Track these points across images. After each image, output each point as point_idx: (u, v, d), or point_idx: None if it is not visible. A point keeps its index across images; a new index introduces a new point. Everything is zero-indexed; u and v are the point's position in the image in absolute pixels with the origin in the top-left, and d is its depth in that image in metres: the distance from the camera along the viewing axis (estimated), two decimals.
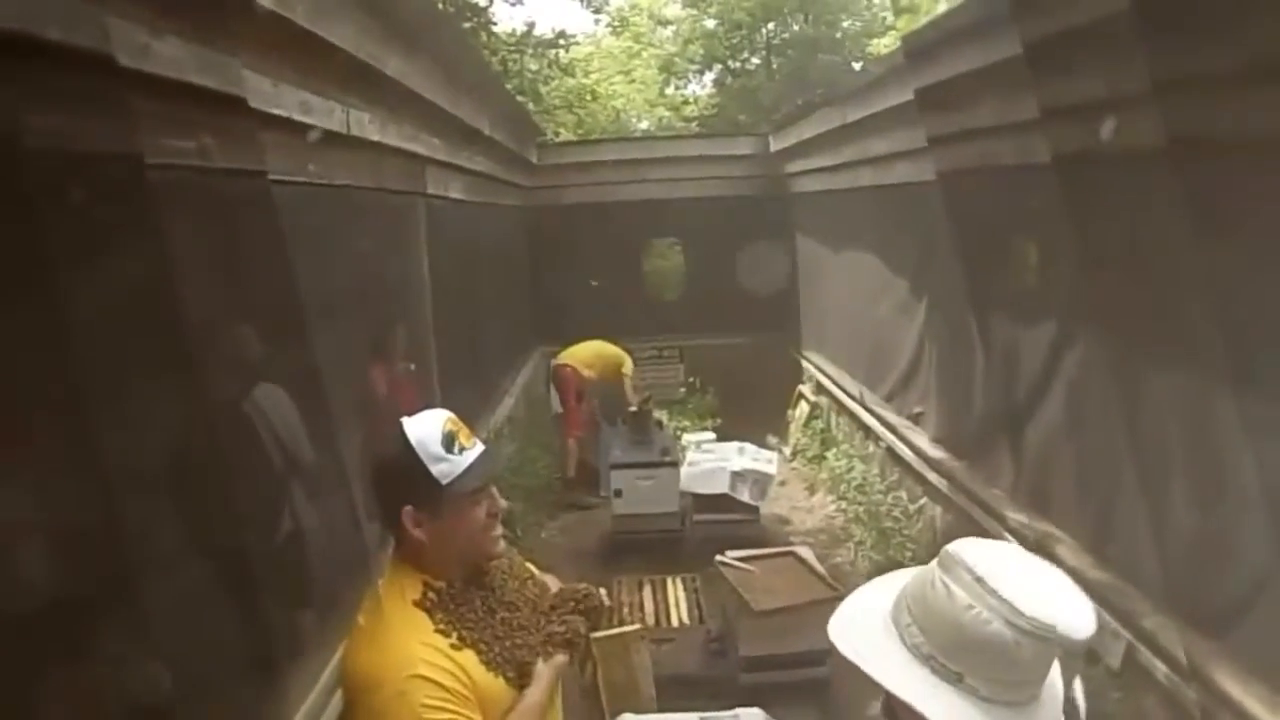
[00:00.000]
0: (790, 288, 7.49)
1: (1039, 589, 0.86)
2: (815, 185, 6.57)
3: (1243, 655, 2.03)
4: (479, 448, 1.34)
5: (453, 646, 1.28)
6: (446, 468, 1.28)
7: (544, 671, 1.36)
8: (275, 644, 1.94)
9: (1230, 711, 1.99)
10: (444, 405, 1.37)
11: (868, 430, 5.30)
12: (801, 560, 3.60)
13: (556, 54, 10.27)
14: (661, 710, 1.64)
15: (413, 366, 3.60)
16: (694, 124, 13.80)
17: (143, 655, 1.38)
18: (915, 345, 4.56)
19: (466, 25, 8.01)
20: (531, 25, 9.94)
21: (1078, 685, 0.94)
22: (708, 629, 3.53)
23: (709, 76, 14.05)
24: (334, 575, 2.33)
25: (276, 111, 2.09)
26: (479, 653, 1.30)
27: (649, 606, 3.84)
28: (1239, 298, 1.89)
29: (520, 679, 1.34)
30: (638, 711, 1.57)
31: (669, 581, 4.02)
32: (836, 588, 3.37)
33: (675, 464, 4.83)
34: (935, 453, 4.19)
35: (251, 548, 1.90)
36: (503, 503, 1.38)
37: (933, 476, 4.15)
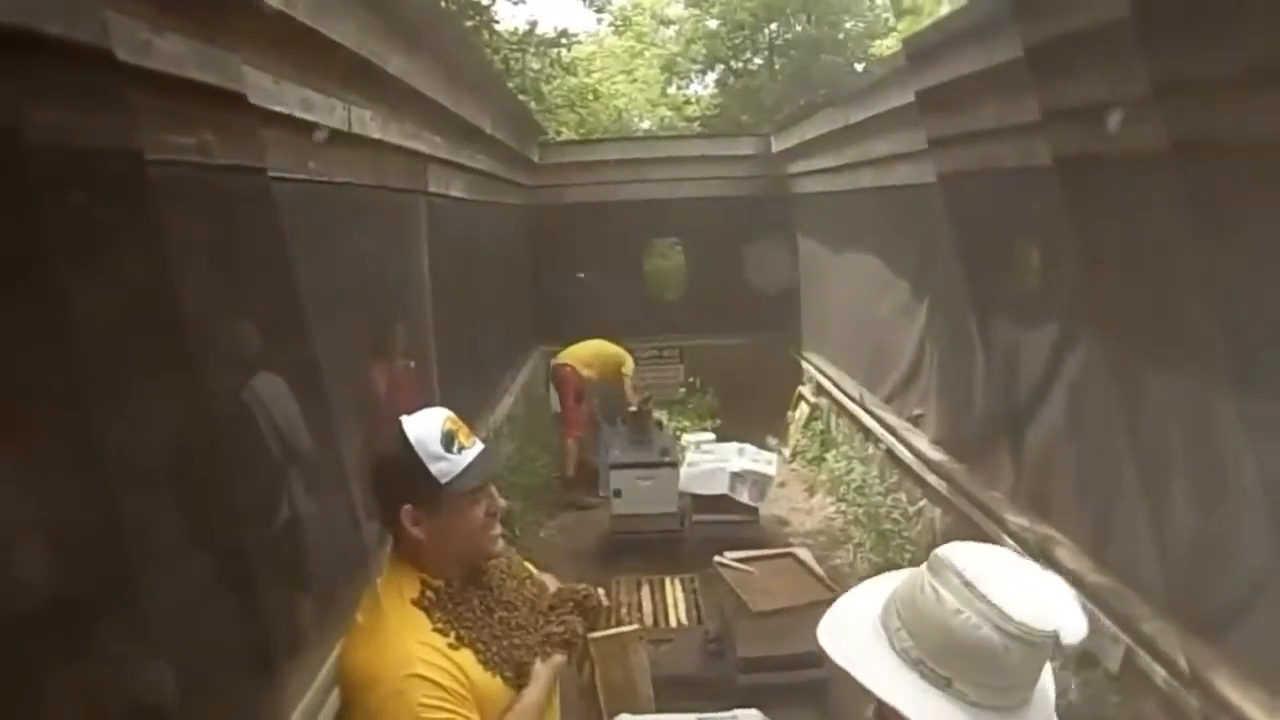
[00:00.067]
0: (791, 289, 7.48)
1: (1029, 593, 0.86)
2: (817, 186, 6.57)
3: (1242, 660, 2.02)
4: (478, 447, 1.34)
5: (450, 646, 1.27)
6: (445, 466, 1.27)
7: (542, 671, 1.36)
8: (273, 640, 1.94)
9: (1229, 716, 1.99)
10: (443, 404, 1.37)
11: (867, 432, 5.29)
12: (800, 562, 3.60)
13: (559, 53, 10.26)
14: (659, 711, 1.64)
15: (412, 364, 3.60)
16: (696, 124, 13.79)
17: (139, 649, 1.38)
18: (916, 347, 4.56)
19: (469, 23, 8.00)
20: (534, 24, 9.94)
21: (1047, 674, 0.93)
22: (706, 630, 3.53)
23: (711, 76, 14.05)
24: (333, 571, 2.33)
25: (278, 108, 2.09)
26: (477, 652, 1.30)
27: (647, 607, 3.83)
28: (1240, 301, 1.88)
29: (518, 679, 1.33)
30: (635, 712, 1.57)
31: (667, 582, 4.02)
32: (835, 589, 3.36)
33: (674, 464, 4.83)
34: (935, 455, 4.19)
35: (250, 544, 1.90)
36: (502, 502, 1.38)
37: (932, 479, 4.15)
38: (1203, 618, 2.16)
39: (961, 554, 0.88)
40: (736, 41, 13.04)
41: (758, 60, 13.21)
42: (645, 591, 3.95)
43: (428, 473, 1.27)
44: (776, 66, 12.79)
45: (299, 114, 2.21)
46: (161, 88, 1.53)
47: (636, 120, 15.12)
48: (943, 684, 0.85)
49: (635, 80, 14.85)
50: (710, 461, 4.81)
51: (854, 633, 0.93)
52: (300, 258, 2.09)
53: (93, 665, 1.31)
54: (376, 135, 2.92)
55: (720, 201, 7.75)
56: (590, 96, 12.88)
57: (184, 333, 1.57)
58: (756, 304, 7.44)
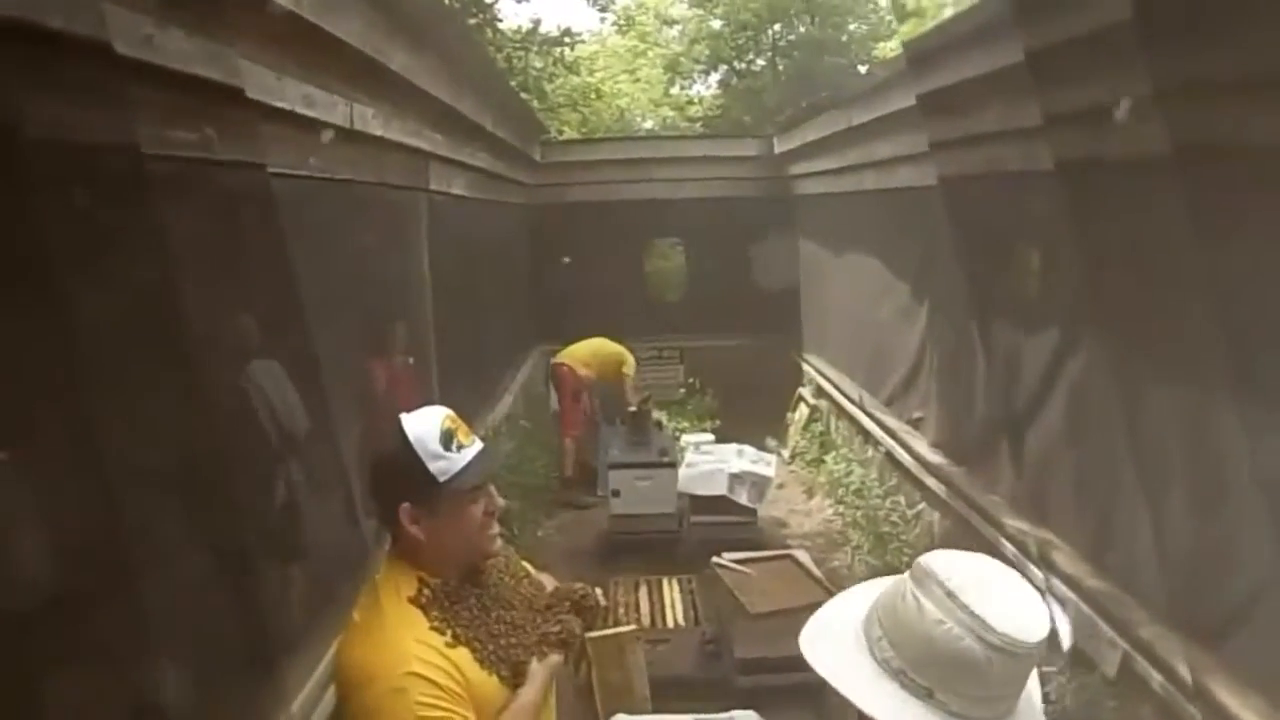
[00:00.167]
0: (792, 290, 7.48)
1: (1012, 604, 0.84)
2: (819, 188, 6.57)
3: (1240, 666, 2.02)
4: (477, 445, 1.33)
5: (448, 644, 1.27)
6: (444, 465, 1.27)
7: (538, 671, 1.35)
8: (271, 635, 1.94)
9: None
10: (442, 402, 1.36)
11: (867, 434, 5.29)
12: (798, 564, 3.60)
13: (562, 52, 10.25)
14: (656, 711, 1.64)
15: (411, 360, 3.60)
16: (698, 124, 13.80)
17: (135, 641, 1.37)
18: (916, 350, 4.56)
19: (472, 21, 8.00)
20: (537, 22, 9.93)
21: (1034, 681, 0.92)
22: (703, 631, 3.52)
23: (714, 77, 14.05)
24: (331, 567, 2.33)
25: (280, 105, 2.08)
26: (474, 651, 1.29)
27: (645, 607, 3.83)
28: (1240, 307, 1.88)
29: (515, 678, 1.33)
30: (632, 712, 1.57)
31: (665, 582, 4.01)
32: (833, 592, 3.35)
33: (673, 465, 4.82)
34: (934, 458, 4.19)
35: (250, 539, 1.90)
36: (500, 501, 1.37)
37: (931, 482, 4.15)
38: (1201, 624, 2.16)
39: (944, 563, 0.87)
40: (740, 42, 13.04)
41: (761, 61, 13.21)
42: (643, 592, 3.94)
43: (426, 471, 1.26)
44: (780, 67, 12.79)
45: (301, 110, 2.21)
46: (165, 83, 1.53)
47: (639, 120, 15.12)
48: (924, 694, 0.84)
49: (638, 80, 14.85)
50: (709, 462, 4.80)
51: (835, 641, 0.92)
52: (301, 254, 2.09)
53: (87, 657, 1.31)
54: (378, 132, 2.92)
55: (722, 202, 7.75)
56: (593, 96, 12.87)
57: (185, 327, 1.57)
58: (757, 305, 7.44)
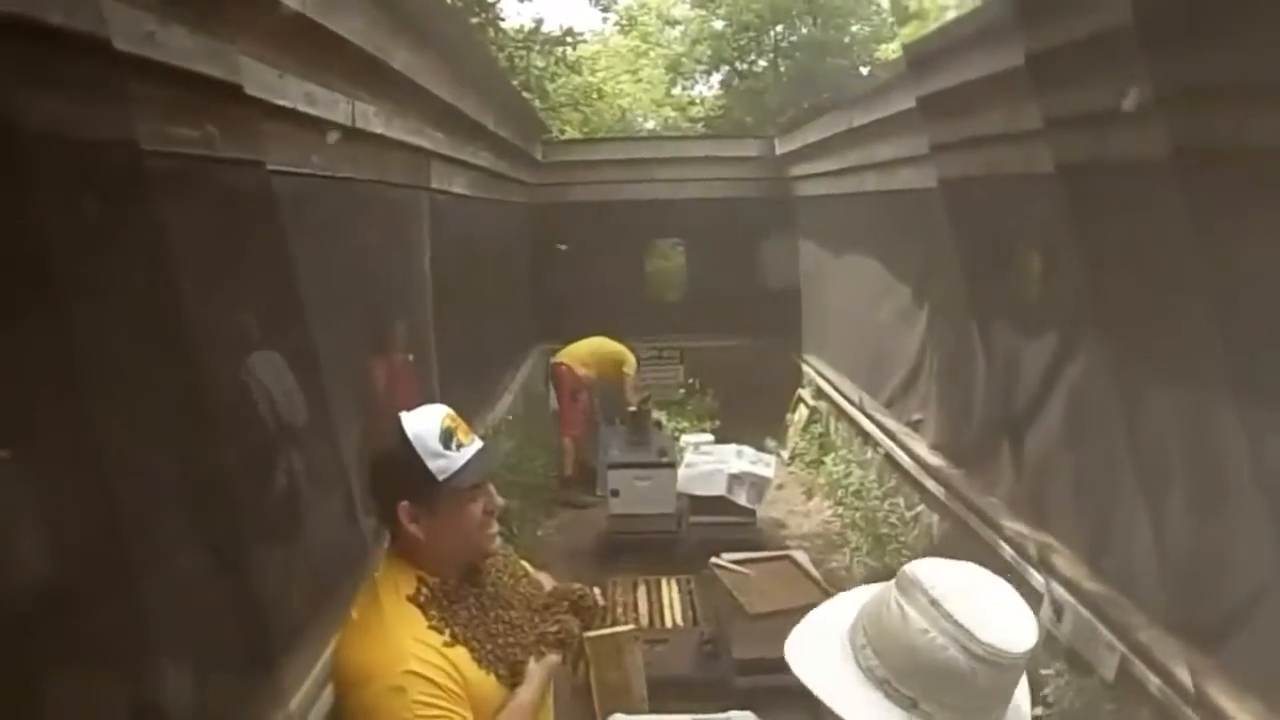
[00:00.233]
0: (792, 291, 7.48)
1: (998, 613, 0.83)
2: (820, 189, 6.57)
3: (1238, 670, 2.02)
4: (477, 444, 1.34)
5: (446, 643, 1.27)
6: (444, 464, 1.27)
7: (536, 671, 1.36)
8: (270, 632, 1.94)
9: None
10: (443, 400, 1.36)
11: (866, 436, 5.30)
12: (797, 564, 3.60)
13: (564, 51, 10.25)
14: (653, 711, 1.64)
15: (411, 358, 3.60)
16: (699, 125, 13.79)
17: (133, 639, 1.37)
18: (916, 352, 4.56)
19: (474, 20, 8.00)
20: (539, 22, 9.92)
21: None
22: (701, 631, 3.52)
23: (716, 78, 14.04)
24: (331, 565, 2.33)
25: (282, 102, 2.08)
26: (472, 650, 1.30)
27: (643, 607, 3.83)
28: (1239, 311, 1.88)
29: (512, 677, 1.33)
30: (629, 712, 1.57)
31: (664, 583, 4.01)
32: (831, 592, 3.34)
33: (673, 465, 4.82)
34: (933, 460, 4.19)
35: (250, 538, 1.90)
36: (499, 500, 1.38)
37: (930, 484, 4.15)
38: (1199, 627, 2.16)
39: (929, 571, 0.86)
40: (742, 43, 13.04)
41: (763, 62, 13.20)
42: (641, 592, 3.94)
43: (426, 470, 1.26)
44: (781, 69, 12.79)
45: (303, 108, 2.21)
46: (167, 80, 1.53)
47: (640, 120, 15.12)
48: (908, 705, 0.83)
49: (640, 80, 14.85)
50: (708, 463, 4.80)
51: (820, 648, 0.91)
52: (302, 252, 2.09)
53: (82, 653, 1.31)
54: (380, 131, 2.92)
55: (723, 203, 7.75)
56: (595, 95, 12.86)
57: (186, 323, 1.57)
58: (757, 306, 7.44)
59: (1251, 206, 1.87)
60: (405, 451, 1.27)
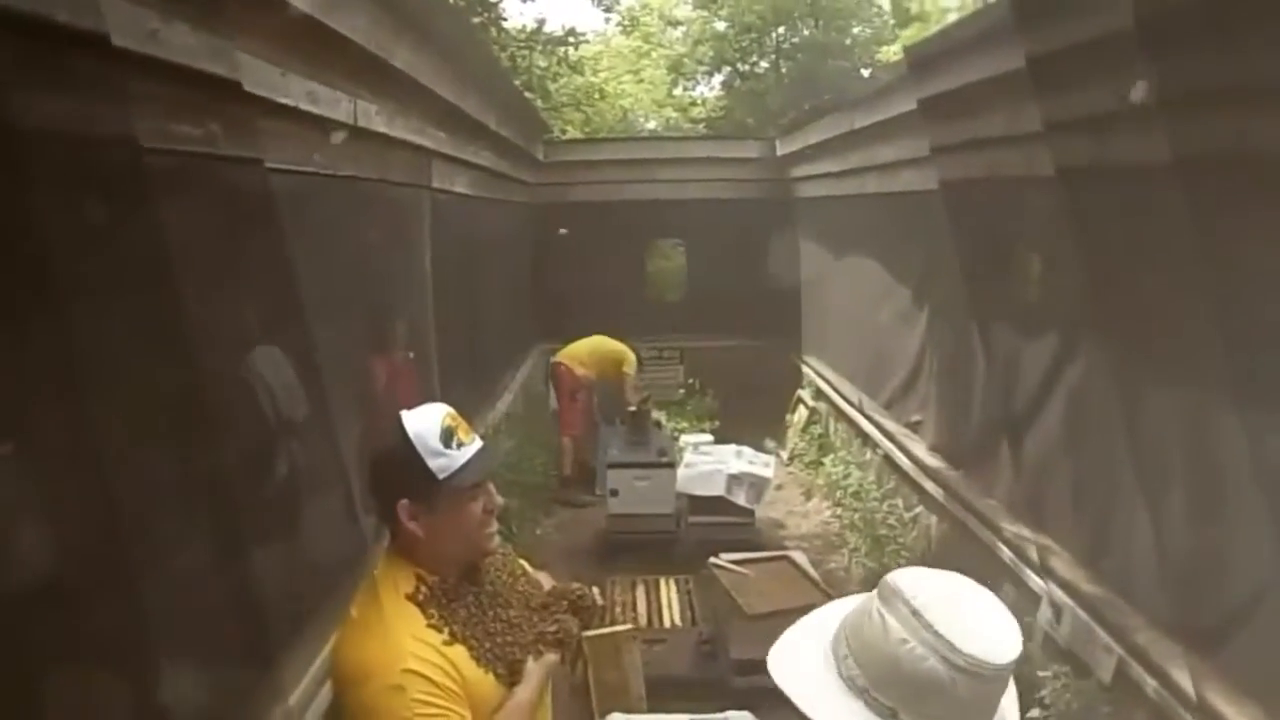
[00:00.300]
0: (792, 292, 7.49)
1: (980, 624, 0.82)
2: (820, 190, 6.57)
3: (1235, 673, 2.03)
4: (477, 443, 1.34)
5: (445, 642, 1.27)
6: (444, 463, 1.27)
7: (534, 670, 1.36)
8: (269, 629, 1.94)
9: None
10: (443, 399, 1.37)
11: (866, 437, 5.30)
12: (795, 565, 3.60)
13: (566, 51, 10.25)
14: (651, 711, 1.64)
15: (411, 355, 3.60)
16: (701, 125, 13.80)
17: (131, 634, 1.37)
18: (916, 354, 4.56)
19: (476, 20, 8.00)
20: (542, 22, 9.92)
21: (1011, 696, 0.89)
22: (700, 631, 3.53)
23: (717, 78, 14.05)
24: (331, 562, 2.33)
25: (284, 101, 2.09)
26: (470, 649, 1.30)
27: (641, 607, 3.83)
28: (1237, 315, 1.89)
29: (511, 676, 1.34)
30: (627, 711, 1.57)
31: (662, 582, 4.02)
32: (829, 593, 3.37)
33: (672, 465, 4.83)
34: (932, 461, 4.20)
35: (249, 534, 1.90)
36: (499, 499, 1.38)
37: (929, 485, 4.15)
38: (1196, 630, 2.17)
39: (911, 580, 0.85)
40: (744, 44, 13.04)
41: (764, 63, 13.21)
42: (640, 591, 3.95)
43: (426, 468, 1.27)
44: (783, 70, 12.80)
45: (305, 107, 2.21)
46: (169, 78, 1.53)
47: (642, 120, 15.13)
48: (888, 714, 0.83)
49: (641, 80, 14.85)
50: (707, 463, 4.81)
51: (803, 657, 0.90)
52: (304, 250, 2.10)
53: (80, 648, 1.31)
54: (382, 130, 2.92)
55: (723, 203, 7.75)
56: (596, 96, 12.87)
57: (188, 319, 1.57)
58: (757, 306, 7.44)
59: (1251, 210, 1.87)
60: (406, 450, 1.27)
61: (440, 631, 1.28)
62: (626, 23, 14.54)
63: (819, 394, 6.69)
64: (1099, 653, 2.50)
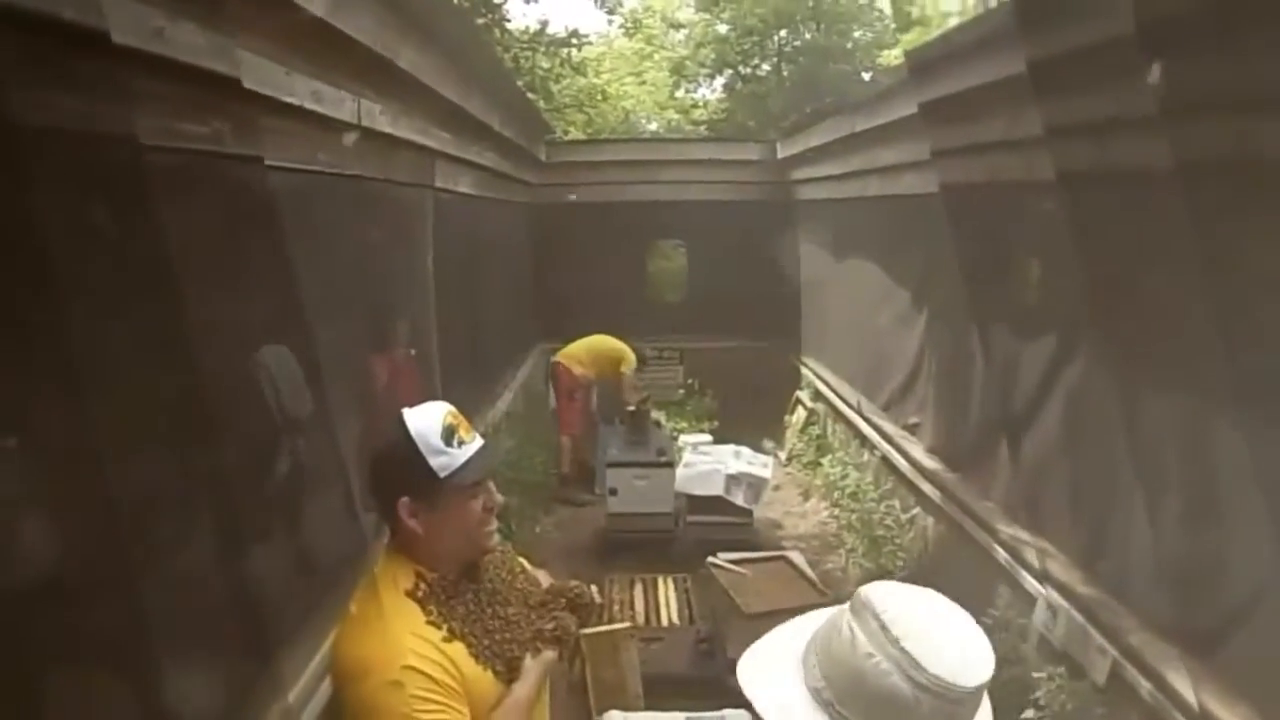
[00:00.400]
0: (792, 293, 7.51)
1: (949, 644, 0.80)
2: (820, 193, 6.59)
3: (1229, 675, 2.04)
4: (478, 442, 1.35)
5: (444, 639, 1.28)
6: (445, 461, 1.28)
7: (533, 667, 1.37)
8: (268, 625, 1.95)
9: None
10: (444, 397, 1.38)
11: (864, 438, 5.31)
12: (793, 565, 3.62)
13: (569, 53, 10.26)
14: (649, 709, 1.65)
15: (413, 352, 3.61)
16: (702, 128, 13.81)
17: (130, 629, 1.38)
18: (914, 356, 4.58)
19: (480, 21, 8.02)
20: (545, 23, 9.92)
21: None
22: (697, 629, 3.53)
23: (719, 81, 14.05)
24: (330, 558, 2.34)
25: (289, 100, 2.10)
26: (469, 645, 1.31)
27: (639, 605, 3.84)
28: (1234, 320, 1.90)
29: (509, 673, 1.34)
30: (625, 709, 1.58)
31: (660, 581, 4.03)
32: (826, 593, 3.39)
33: (671, 465, 4.84)
34: (929, 463, 4.21)
35: (249, 530, 1.91)
36: (499, 497, 1.39)
37: (926, 487, 4.16)
38: (1190, 632, 2.18)
39: (882, 594, 0.84)
40: (746, 47, 13.05)
41: (766, 66, 13.22)
42: (638, 590, 3.95)
43: (427, 466, 1.28)
44: (784, 73, 12.80)
45: (310, 106, 2.22)
46: (176, 76, 1.54)
47: (644, 122, 15.14)
48: None
49: (644, 82, 14.86)
50: (706, 463, 4.82)
51: (773, 665, 0.89)
52: (307, 248, 2.11)
53: (78, 644, 1.32)
54: (386, 129, 2.93)
55: (724, 205, 7.77)
56: (599, 97, 12.88)
57: (194, 316, 1.58)
58: (757, 308, 7.46)
59: (1250, 215, 1.88)
60: (407, 447, 1.28)
61: (439, 628, 1.29)
62: (629, 25, 14.53)
63: (817, 395, 6.70)
64: (1094, 654, 2.51)
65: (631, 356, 5.92)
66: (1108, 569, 2.64)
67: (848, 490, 5.28)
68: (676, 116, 14.78)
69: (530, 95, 8.30)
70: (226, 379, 1.92)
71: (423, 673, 1.23)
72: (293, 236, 2.07)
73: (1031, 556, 3.01)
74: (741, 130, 12.08)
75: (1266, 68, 1.74)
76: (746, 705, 0.89)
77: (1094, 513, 2.74)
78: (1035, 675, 2.60)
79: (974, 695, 0.81)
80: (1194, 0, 1.86)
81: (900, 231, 4.72)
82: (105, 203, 1.38)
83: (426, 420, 1.30)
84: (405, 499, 1.29)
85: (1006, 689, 2.61)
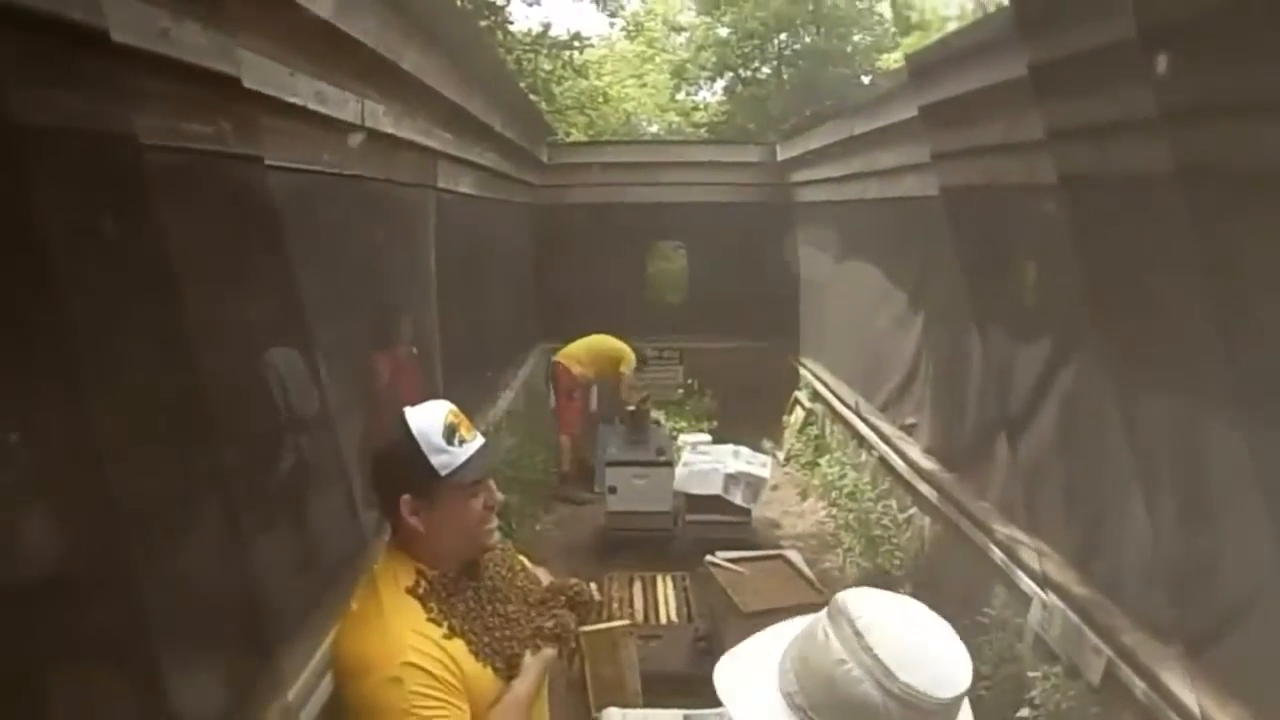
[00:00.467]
0: (791, 295, 7.52)
1: (925, 654, 0.79)
2: (820, 195, 6.61)
3: (1223, 674, 2.05)
4: (479, 440, 1.36)
5: (444, 636, 1.29)
6: (446, 459, 1.29)
7: (532, 664, 1.38)
8: (269, 621, 1.96)
9: None
10: (446, 397, 1.39)
11: (861, 439, 5.33)
12: (790, 564, 3.64)
13: (570, 55, 10.28)
14: (647, 706, 1.66)
15: (415, 351, 3.63)
16: (703, 130, 13.83)
17: (130, 625, 1.39)
18: (912, 357, 4.59)
19: (483, 23, 8.03)
20: (547, 26, 9.95)
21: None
22: (696, 628, 3.55)
23: (720, 84, 14.07)
24: (331, 555, 2.35)
25: (292, 100, 2.11)
26: (469, 643, 1.32)
27: (638, 603, 3.85)
28: (1232, 323, 1.91)
29: (508, 670, 1.35)
30: (623, 706, 1.59)
31: (659, 579, 4.04)
32: (824, 592, 3.40)
33: (670, 464, 4.86)
34: (926, 464, 4.22)
35: (250, 526, 1.93)
36: (500, 496, 1.40)
37: (923, 487, 4.18)
38: (1184, 631, 2.19)
39: (859, 601, 0.82)
40: (746, 50, 13.07)
41: (766, 69, 13.24)
42: (637, 588, 3.97)
43: (428, 464, 1.28)
44: (784, 76, 12.83)
45: (313, 106, 2.24)
46: (179, 76, 1.56)
47: (645, 124, 15.15)
48: None
49: (645, 85, 14.88)
50: (705, 462, 4.83)
51: (751, 668, 0.89)
52: (310, 248, 2.12)
53: (77, 640, 1.32)
54: (389, 130, 2.95)
55: (724, 207, 7.79)
56: (600, 99, 12.91)
57: (198, 315, 1.60)
58: (757, 309, 7.48)
59: (1248, 219, 1.89)
60: (408, 446, 1.29)
61: (439, 625, 1.30)
62: (631, 28, 14.56)
63: (816, 396, 6.71)
64: (1089, 654, 2.53)
65: (631, 356, 5.94)
66: (1103, 569, 2.66)
67: (845, 490, 5.29)
68: (677, 119, 14.80)
69: (532, 97, 8.31)
70: (233, 378, 1.93)
71: (423, 669, 1.24)
72: (297, 236, 2.08)
73: (1027, 556, 3.03)
74: (741, 133, 12.10)
75: (1266, 71, 1.76)
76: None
77: (1089, 513, 2.76)
78: (1030, 675, 2.61)
79: (947, 707, 0.79)
80: (1193, 3, 1.87)
81: (899, 234, 4.74)
82: (113, 203, 1.39)
83: (428, 419, 1.31)
84: (406, 497, 1.30)
85: (1002, 688, 2.63)
